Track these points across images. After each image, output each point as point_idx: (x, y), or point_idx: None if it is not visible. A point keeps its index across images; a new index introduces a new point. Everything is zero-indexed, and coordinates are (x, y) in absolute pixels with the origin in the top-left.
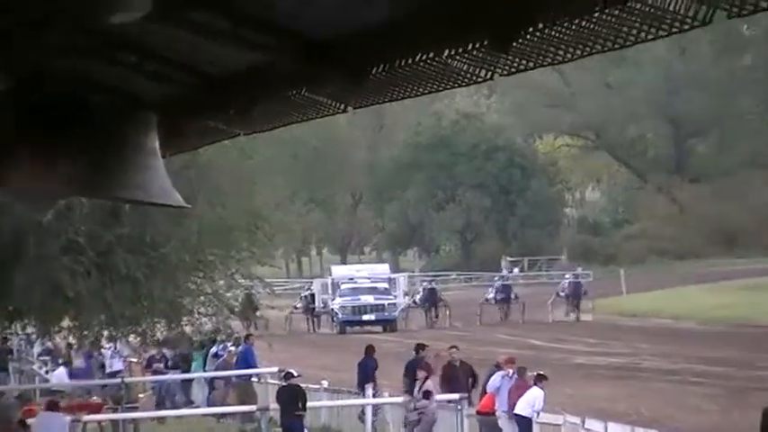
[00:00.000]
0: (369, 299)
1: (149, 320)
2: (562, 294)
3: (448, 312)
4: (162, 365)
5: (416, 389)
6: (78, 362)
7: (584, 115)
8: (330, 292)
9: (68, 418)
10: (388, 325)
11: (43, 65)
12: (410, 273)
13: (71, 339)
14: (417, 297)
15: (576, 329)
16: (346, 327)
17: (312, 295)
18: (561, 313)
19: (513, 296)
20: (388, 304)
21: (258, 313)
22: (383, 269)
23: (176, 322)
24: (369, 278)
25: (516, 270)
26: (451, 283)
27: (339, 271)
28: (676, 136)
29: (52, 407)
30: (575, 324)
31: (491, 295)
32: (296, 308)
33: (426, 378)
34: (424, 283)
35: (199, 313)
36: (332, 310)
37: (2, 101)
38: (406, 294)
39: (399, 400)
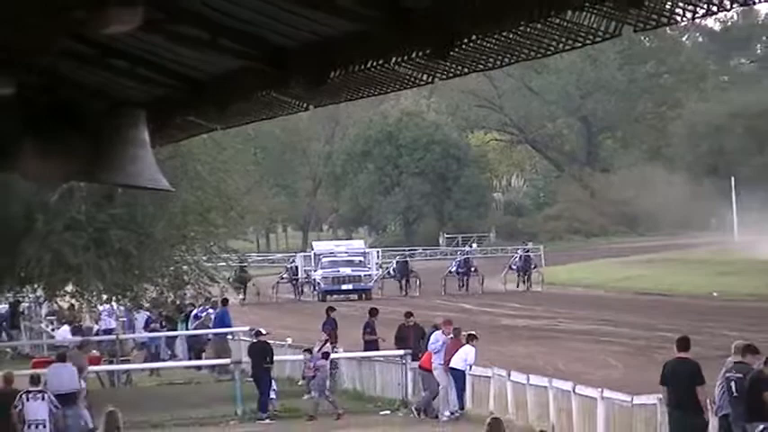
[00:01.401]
0: (347, 270)
1: (139, 287)
2: (514, 268)
3: (418, 283)
4: (158, 325)
5: (316, 349)
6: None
7: (509, 114)
8: (312, 264)
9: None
10: (364, 293)
11: (48, 72)
12: (383, 248)
13: (74, 302)
14: (391, 269)
15: (519, 298)
16: (327, 295)
17: (296, 267)
18: (513, 284)
19: (472, 269)
20: (364, 275)
21: (251, 283)
22: (359, 244)
23: (163, 288)
24: (346, 252)
25: (475, 245)
26: (417, 257)
27: (320, 246)
28: (588, 132)
29: (62, 358)
30: (525, 293)
31: (453, 268)
32: (282, 278)
33: (326, 341)
34: (398, 257)
35: (182, 281)
36: (314, 280)
37: (13, 102)
38: (379, 267)
39: (351, 354)
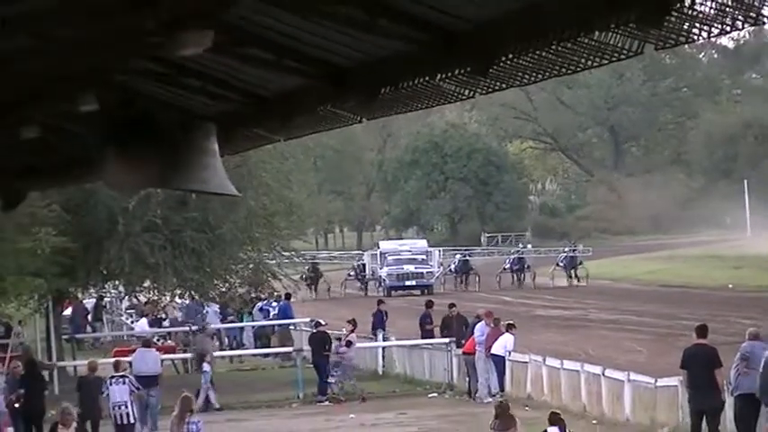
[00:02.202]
0: (410, 268)
1: (209, 283)
2: (561, 265)
3: (477, 279)
4: (235, 317)
5: (342, 339)
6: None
7: (543, 125)
8: (378, 262)
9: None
10: (427, 289)
11: (130, 89)
12: (444, 247)
13: (152, 297)
14: (453, 266)
15: (560, 291)
16: (392, 291)
17: (363, 264)
18: (559, 280)
19: (526, 266)
20: (427, 272)
21: (322, 280)
22: (422, 244)
23: (233, 284)
24: (410, 251)
25: (529, 246)
26: (476, 256)
27: (386, 245)
28: (615, 141)
29: (147, 344)
30: (568, 288)
31: (507, 265)
32: (349, 275)
33: (351, 330)
34: (457, 255)
35: (261, 278)
36: (380, 276)
37: (98, 116)
38: (441, 264)
39: (402, 342)
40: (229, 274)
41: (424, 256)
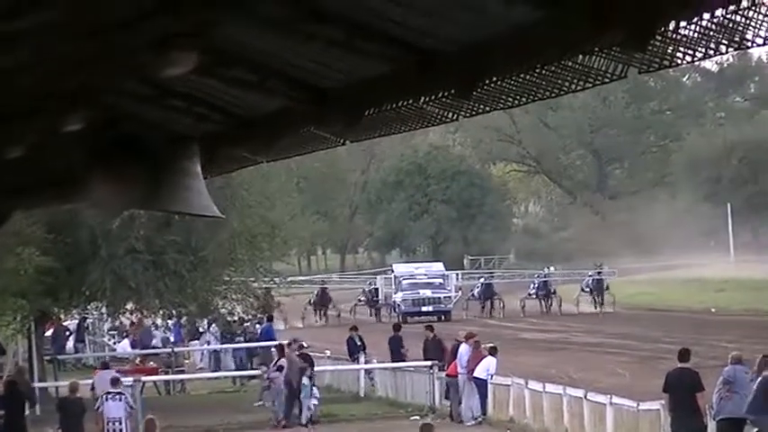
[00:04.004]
0: (427, 292)
1: (193, 306)
2: (587, 290)
3: (501, 305)
4: (242, 338)
5: (272, 363)
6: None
7: (527, 147)
8: (393, 286)
9: (125, 377)
10: (444, 315)
11: (115, 109)
12: (462, 270)
13: (134, 318)
14: (476, 291)
15: (590, 319)
16: (407, 317)
17: (376, 289)
18: (586, 306)
19: (551, 291)
20: (444, 297)
21: (331, 305)
22: (438, 267)
23: (214, 306)
24: (426, 275)
25: (553, 268)
26: (495, 279)
27: (400, 268)
28: (598, 163)
29: (105, 366)
30: (598, 315)
31: (533, 291)
32: (360, 301)
33: (281, 356)
34: (481, 279)
35: (232, 299)
36: (394, 302)
37: (82, 135)
38: (459, 289)
39: (384, 365)
40: (212, 295)
41: (440, 280)
